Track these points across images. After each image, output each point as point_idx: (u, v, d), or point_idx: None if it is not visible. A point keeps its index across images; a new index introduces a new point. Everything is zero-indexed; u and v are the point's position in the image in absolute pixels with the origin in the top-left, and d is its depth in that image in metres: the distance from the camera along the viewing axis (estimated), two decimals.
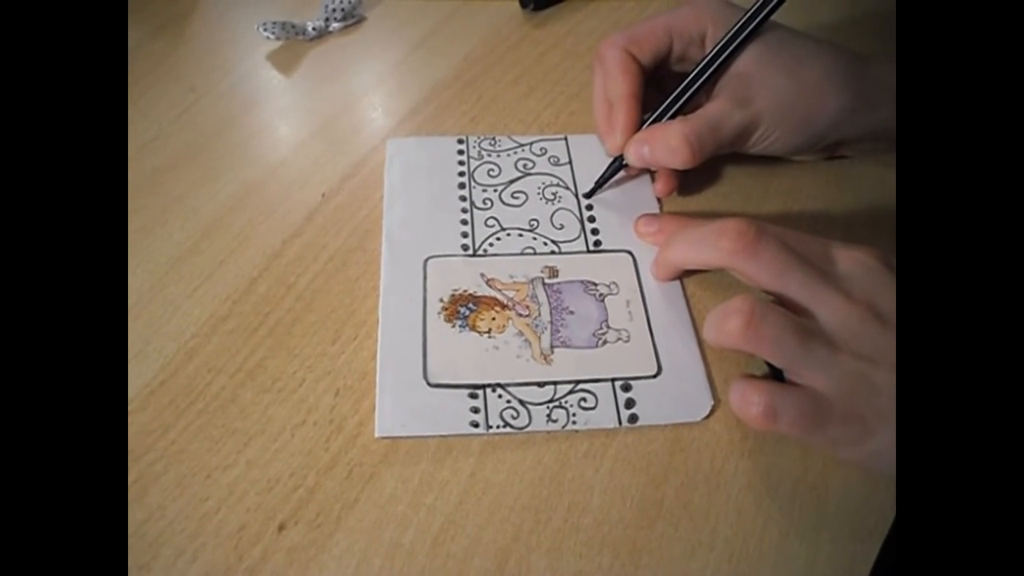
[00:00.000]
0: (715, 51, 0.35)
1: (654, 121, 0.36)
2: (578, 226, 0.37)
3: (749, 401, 0.26)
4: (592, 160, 0.40)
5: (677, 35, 0.37)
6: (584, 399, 0.31)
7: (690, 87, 0.36)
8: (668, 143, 0.34)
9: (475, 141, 0.41)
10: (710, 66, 0.36)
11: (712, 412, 0.31)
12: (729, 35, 0.35)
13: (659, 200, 0.39)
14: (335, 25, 0.48)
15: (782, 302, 0.28)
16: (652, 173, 0.39)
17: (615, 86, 0.36)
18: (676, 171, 0.38)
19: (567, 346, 0.32)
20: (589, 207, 0.38)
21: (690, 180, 0.40)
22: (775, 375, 0.29)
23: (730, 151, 0.36)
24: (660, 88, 0.38)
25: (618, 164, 0.38)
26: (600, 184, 0.39)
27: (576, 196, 0.38)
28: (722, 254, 0.29)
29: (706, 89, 0.36)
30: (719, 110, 0.34)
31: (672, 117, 0.36)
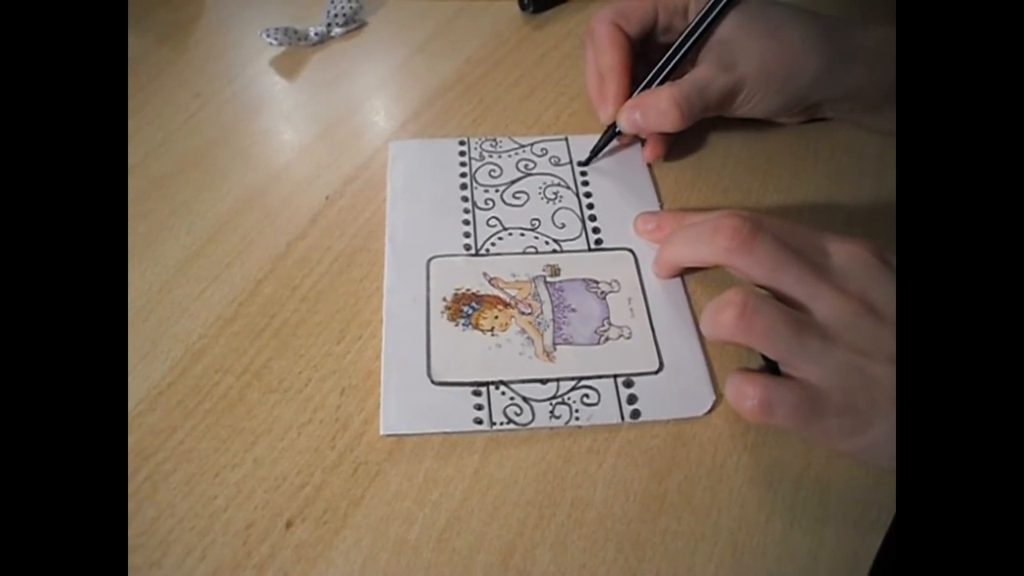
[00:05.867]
0: (697, 19, 0.37)
1: (643, 89, 0.38)
2: (579, 225, 0.37)
3: (744, 394, 0.27)
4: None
5: (662, 7, 0.39)
6: (587, 395, 0.31)
7: (676, 54, 0.38)
8: (658, 107, 0.36)
9: (476, 142, 0.41)
10: (693, 33, 0.37)
11: (714, 407, 0.31)
12: (710, 3, 0.37)
13: (659, 198, 0.39)
14: (337, 30, 0.49)
15: (778, 297, 0.28)
16: (642, 141, 0.41)
17: (605, 58, 0.38)
18: (665, 137, 0.40)
19: (569, 343, 0.32)
20: (590, 206, 0.38)
21: (690, 176, 0.40)
22: (771, 369, 0.29)
23: (716, 114, 0.38)
24: (648, 61, 0.39)
25: (612, 132, 0.39)
26: (595, 152, 0.40)
27: (577, 196, 0.39)
28: (717, 251, 0.29)
29: (691, 57, 0.38)
30: (705, 74, 0.36)
31: (660, 84, 0.38)
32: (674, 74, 0.38)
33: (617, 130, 0.39)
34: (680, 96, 0.35)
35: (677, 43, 0.38)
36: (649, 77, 0.38)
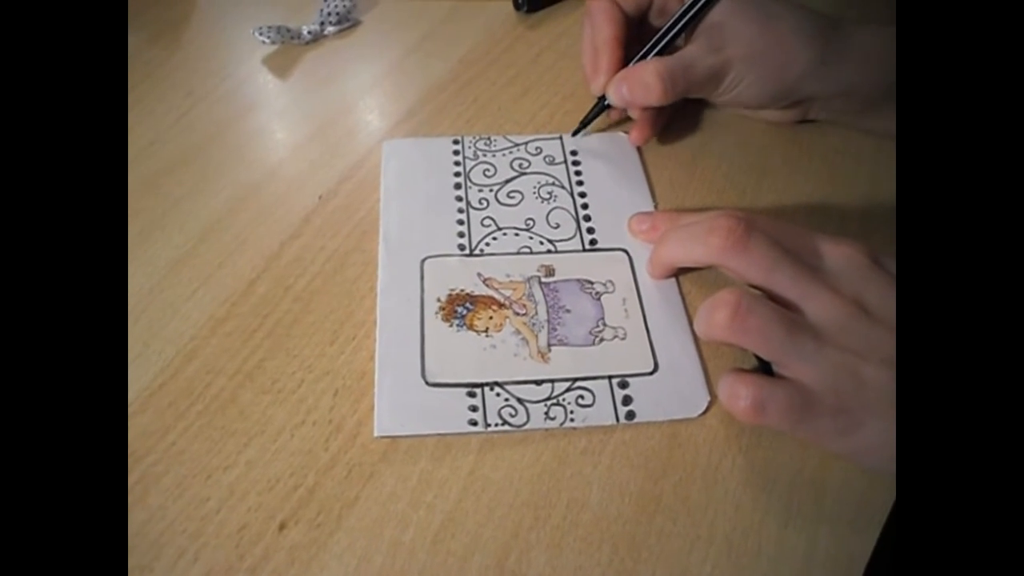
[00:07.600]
0: (691, 1, 0.38)
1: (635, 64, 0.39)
2: (574, 225, 0.37)
3: (737, 394, 0.27)
4: (588, 159, 0.40)
5: None
6: (581, 396, 0.31)
7: (668, 32, 0.38)
8: (643, 80, 0.36)
9: (471, 141, 0.41)
10: (686, 14, 0.38)
11: (709, 408, 0.31)
12: None
13: (654, 198, 0.39)
14: (330, 29, 0.49)
15: (771, 297, 0.28)
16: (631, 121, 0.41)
17: (600, 31, 0.39)
18: (652, 120, 0.40)
19: (564, 344, 0.32)
20: (585, 206, 0.38)
21: (685, 176, 0.40)
22: (765, 370, 0.29)
23: (702, 95, 0.39)
24: (643, 44, 0.40)
25: (601, 104, 0.40)
26: (584, 124, 0.41)
27: (572, 195, 0.39)
28: (712, 251, 0.29)
29: (683, 38, 0.39)
30: (692, 52, 0.37)
31: None
32: (665, 54, 0.38)
33: (606, 103, 0.39)
34: (665, 71, 0.36)
35: (670, 22, 0.39)
36: (641, 53, 0.39)
